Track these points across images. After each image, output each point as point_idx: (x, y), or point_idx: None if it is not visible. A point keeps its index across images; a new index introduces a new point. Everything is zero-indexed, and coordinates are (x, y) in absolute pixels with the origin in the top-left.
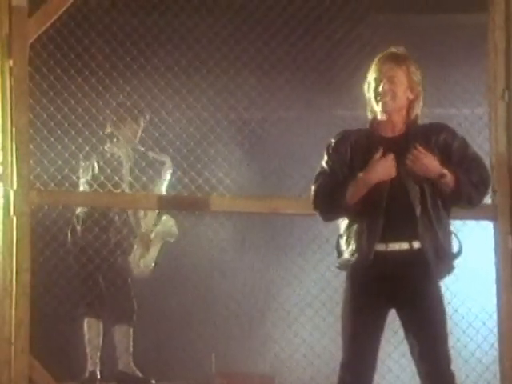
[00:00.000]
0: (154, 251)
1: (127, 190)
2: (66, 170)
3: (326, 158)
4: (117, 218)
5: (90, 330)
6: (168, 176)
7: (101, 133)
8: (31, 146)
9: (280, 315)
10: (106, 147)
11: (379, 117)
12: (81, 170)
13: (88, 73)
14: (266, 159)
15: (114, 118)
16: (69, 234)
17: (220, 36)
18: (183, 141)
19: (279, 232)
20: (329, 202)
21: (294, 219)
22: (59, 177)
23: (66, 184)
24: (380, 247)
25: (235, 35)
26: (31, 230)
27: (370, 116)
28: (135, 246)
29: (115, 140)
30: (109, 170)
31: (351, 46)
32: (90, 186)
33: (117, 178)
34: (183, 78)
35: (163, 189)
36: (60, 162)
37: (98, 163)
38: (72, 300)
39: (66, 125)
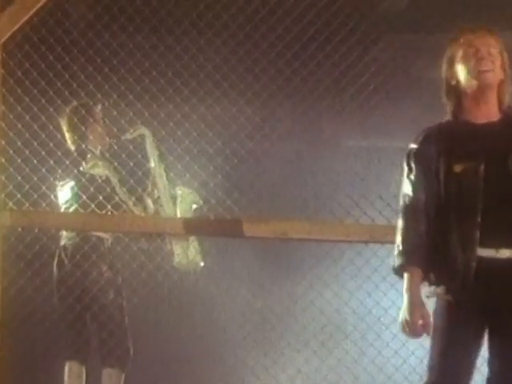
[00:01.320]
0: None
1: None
2: (44, 188)
3: (407, 173)
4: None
5: (71, 375)
6: (154, 151)
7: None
8: (3, 160)
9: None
10: (81, 168)
11: (467, 100)
12: (58, 190)
13: (68, 77)
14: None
15: (64, 127)
16: (54, 269)
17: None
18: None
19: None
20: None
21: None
22: (35, 195)
23: (43, 204)
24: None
25: (237, 57)
26: (2, 256)
27: (448, 104)
28: (168, 243)
29: (89, 156)
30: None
31: (364, 71)
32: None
33: (101, 198)
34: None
35: (156, 159)
36: (36, 179)
37: (76, 186)
38: (50, 339)
39: (44, 136)
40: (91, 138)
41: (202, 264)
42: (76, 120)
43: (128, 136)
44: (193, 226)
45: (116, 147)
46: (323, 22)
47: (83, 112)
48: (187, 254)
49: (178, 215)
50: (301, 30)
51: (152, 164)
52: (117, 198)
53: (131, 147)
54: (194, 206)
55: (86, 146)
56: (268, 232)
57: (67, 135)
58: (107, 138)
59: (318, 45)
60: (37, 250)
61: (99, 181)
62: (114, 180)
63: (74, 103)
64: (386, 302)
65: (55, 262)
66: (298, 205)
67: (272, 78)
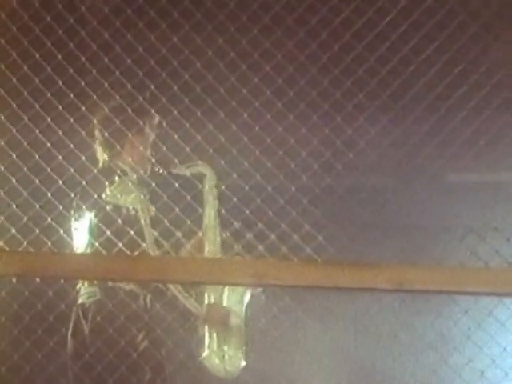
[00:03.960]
0: (237, 335)
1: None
2: (50, 219)
3: None
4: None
5: None
6: (214, 200)
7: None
8: None
9: None
10: (103, 195)
11: None
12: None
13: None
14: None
15: (101, 138)
16: (68, 339)
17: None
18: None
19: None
20: None
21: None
22: (36, 230)
23: (49, 243)
24: None
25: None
26: None
27: None
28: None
29: (117, 179)
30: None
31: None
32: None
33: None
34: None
35: (212, 214)
36: (38, 207)
37: (96, 219)
38: None
39: (49, 144)
40: (130, 156)
41: (242, 365)
42: (115, 125)
43: (182, 170)
44: (269, 271)
45: (159, 176)
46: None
47: (131, 117)
48: (223, 349)
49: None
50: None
51: (206, 220)
52: (144, 245)
53: (179, 183)
54: (247, 300)
55: (118, 164)
56: (380, 281)
57: (96, 143)
58: (150, 163)
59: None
60: (39, 311)
61: (125, 213)
62: (145, 218)
63: (117, 100)
64: None
65: (69, 328)
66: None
67: (361, 104)
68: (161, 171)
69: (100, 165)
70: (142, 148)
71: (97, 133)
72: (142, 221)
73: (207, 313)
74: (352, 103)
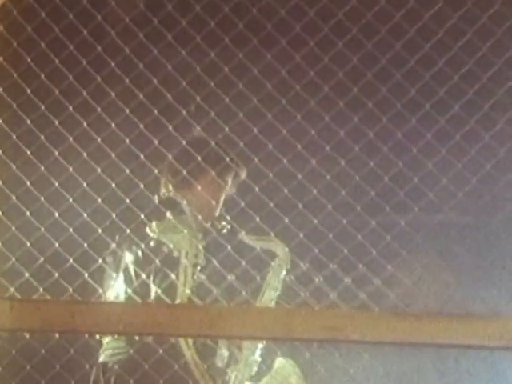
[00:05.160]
0: None
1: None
2: (71, 261)
3: None
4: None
5: None
6: (278, 284)
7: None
8: None
9: None
10: (150, 229)
11: None
12: (106, 273)
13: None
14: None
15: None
16: None
17: None
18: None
19: None
20: None
21: None
22: (56, 274)
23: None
24: None
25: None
26: None
27: None
28: None
29: (169, 215)
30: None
31: None
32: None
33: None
34: None
35: (271, 297)
36: (57, 245)
37: (137, 260)
38: None
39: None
40: (195, 200)
41: None
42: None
43: (251, 241)
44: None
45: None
46: None
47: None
48: None
49: None
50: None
51: (261, 297)
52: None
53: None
54: None
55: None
56: (492, 337)
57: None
58: (214, 218)
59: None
60: (58, 373)
61: (166, 252)
62: (188, 263)
63: (200, 134)
64: None
65: None
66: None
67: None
68: (224, 231)
69: (161, 195)
70: (214, 195)
71: (168, 165)
72: (183, 262)
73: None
74: None
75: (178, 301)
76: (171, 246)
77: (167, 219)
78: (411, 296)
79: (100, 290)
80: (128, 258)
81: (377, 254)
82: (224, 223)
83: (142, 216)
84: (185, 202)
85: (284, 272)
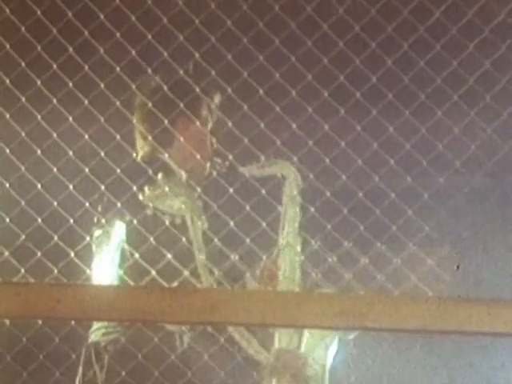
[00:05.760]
0: None
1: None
2: (56, 238)
3: None
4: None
5: None
6: (297, 208)
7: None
8: None
9: None
10: (145, 195)
11: None
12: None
13: None
14: None
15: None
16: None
17: None
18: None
19: None
20: None
21: None
22: (38, 253)
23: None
24: None
25: None
26: None
27: None
28: None
29: (160, 177)
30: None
31: None
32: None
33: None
34: None
35: (293, 231)
36: (40, 221)
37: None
38: None
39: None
40: (179, 150)
41: None
42: (159, 109)
43: (255, 171)
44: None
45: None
46: None
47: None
48: None
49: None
50: None
51: (282, 238)
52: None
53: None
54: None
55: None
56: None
57: (136, 131)
58: (208, 163)
59: None
60: (41, 363)
61: (167, 223)
62: (195, 229)
63: (158, 75)
64: None
65: (77, 376)
66: None
67: None
68: (223, 170)
69: (139, 158)
70: (197, 139)
71: (136, 118)
72: (192, 233)
73: (276, 360)
74: None
75: (200, 271)
76: (175, 216)
77: (158, 182)
78: (435, 277)
79: (88, 271)
80: (120, 231)
81: (397, 229)
82: (219, 160)
83: (131, 184)
84: (167, 156)
85: (298, 196)
